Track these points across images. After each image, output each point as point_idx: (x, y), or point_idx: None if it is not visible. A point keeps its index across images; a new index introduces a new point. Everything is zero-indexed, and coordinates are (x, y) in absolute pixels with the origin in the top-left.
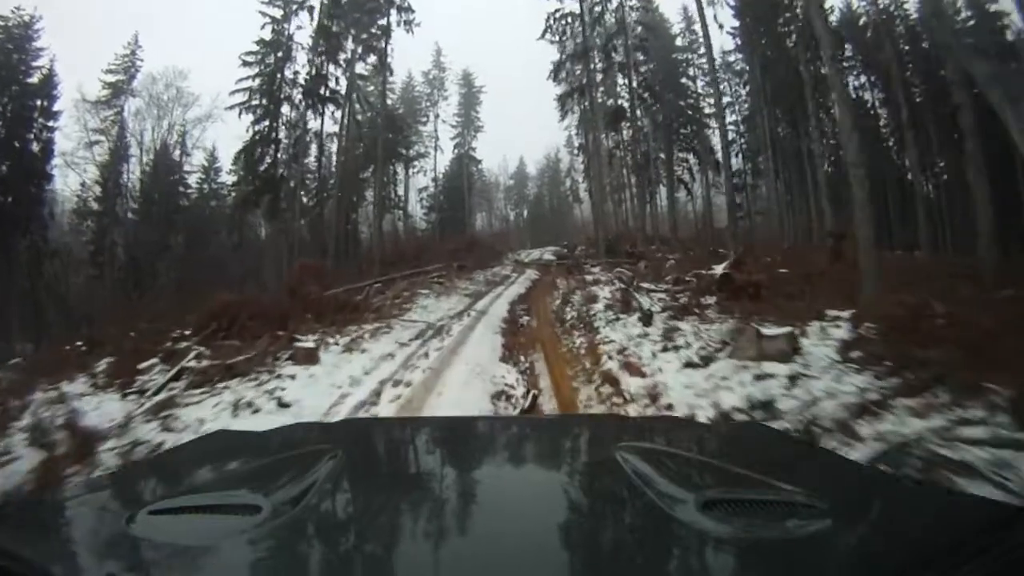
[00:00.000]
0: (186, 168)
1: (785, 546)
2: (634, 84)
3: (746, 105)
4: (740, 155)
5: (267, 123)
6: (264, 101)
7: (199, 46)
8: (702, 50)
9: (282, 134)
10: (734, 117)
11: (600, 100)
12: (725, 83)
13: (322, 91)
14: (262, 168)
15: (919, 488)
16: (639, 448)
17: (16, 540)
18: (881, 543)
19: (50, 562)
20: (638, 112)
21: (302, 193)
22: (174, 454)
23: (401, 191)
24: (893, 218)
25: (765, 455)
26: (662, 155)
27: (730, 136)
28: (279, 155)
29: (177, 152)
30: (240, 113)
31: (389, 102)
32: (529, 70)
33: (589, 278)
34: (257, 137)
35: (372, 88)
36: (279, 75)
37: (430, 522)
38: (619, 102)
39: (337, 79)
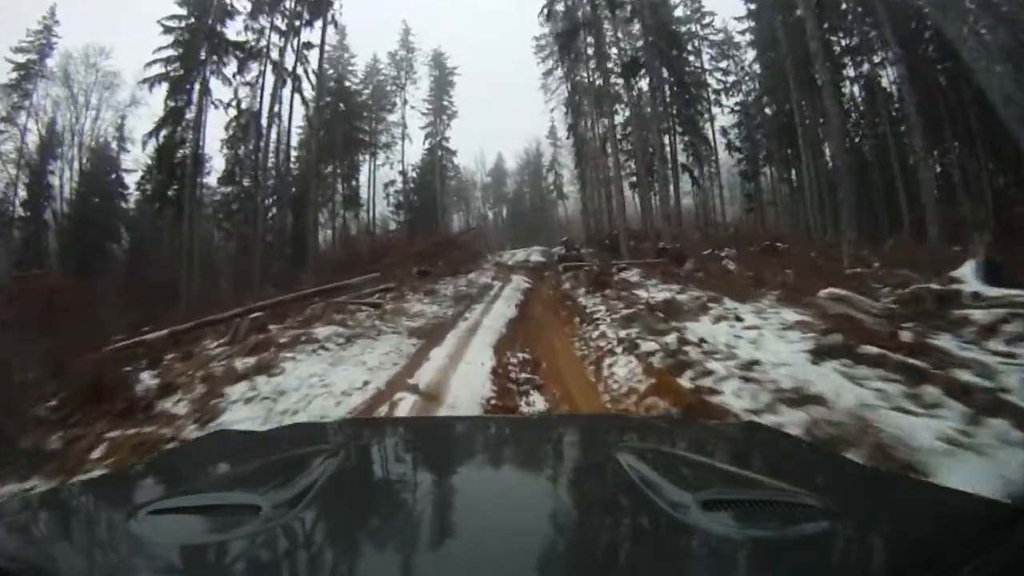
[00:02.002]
0: (125, 165)
1: (785, 546)
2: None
3: (753, 85)
4: (747, 139)
5: (179, 97)
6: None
7: (127, 19)
8: (706, 20)
9: (209, 114)
10: (740, 97)
11: (591, 80)
12: (730, 60)
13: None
14: (178, 153)
15: (919, 488)
16: (639, 448)
17: (16, 540)
18: (881, 543)
19: (50, 562)
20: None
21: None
22: (174, 454)
23: (366, 186)
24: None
25: (765, 455)
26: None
27: (735, 119)
28: (199, 134)
29: (114, 146)
30: (152, 87)
31: (348, 84)
32: (515, 69)
33: (646, 296)
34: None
35: (331, 71)
36: (203, 35)
37: (430, 523)
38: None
39: (280, 50)
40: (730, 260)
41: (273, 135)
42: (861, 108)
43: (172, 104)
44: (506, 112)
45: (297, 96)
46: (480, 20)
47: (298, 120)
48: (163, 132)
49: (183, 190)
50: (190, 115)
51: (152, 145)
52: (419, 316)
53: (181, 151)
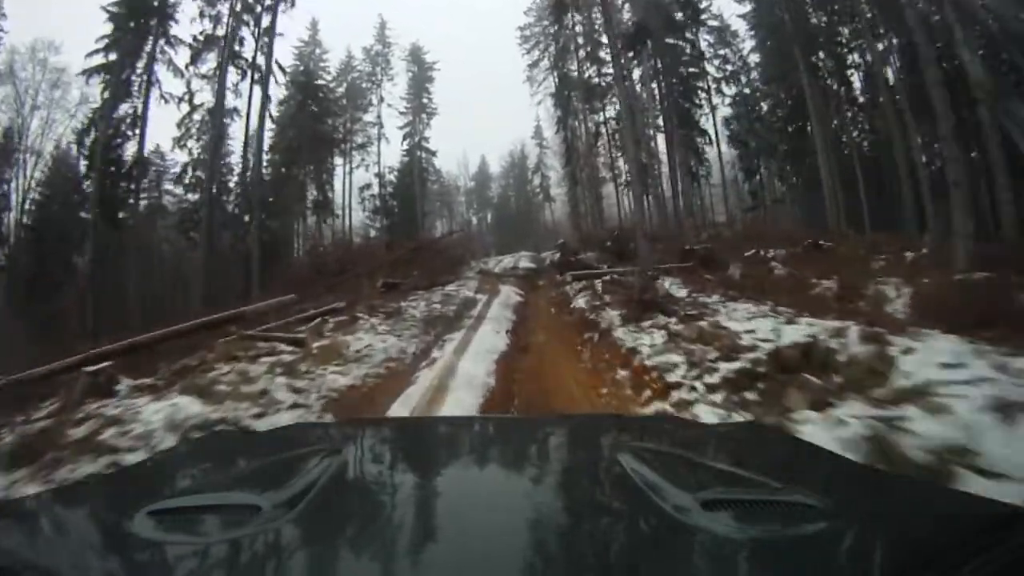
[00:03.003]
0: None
1: (785, 546)
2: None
3: (753, 76)
4: (749, 132)
5: (117, 88)
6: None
7: (82, 13)
8: (703, 3)
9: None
10: (738, 89)
11: (581, 71)
12: (728, 49)
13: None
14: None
15: (919, 488)
16: (639, 448)
17: (16, 540)
18: (881, 543)
19: (50, 562)
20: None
21: (225, 198)
22: (174, 454)
23: (343, 191)
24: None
25: (765, 455)
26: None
27: (735, 112)
28: (142, 130)
29: (74, 151)
30: (89, 78)
31: (320, 81)
32: (510, 69)
33: (739, 328)
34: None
35: (301, 66)
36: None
37: (430, 522)
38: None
39: (242, 40)
40: (779, 263)
41: (239, 135)
42: (859, 100)
43: (108, 95)
44: (494, 115)
45: (262, 92)
46: (477, 21)
47: (267, 122)
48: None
49: (92, 194)
50: (128, 107)
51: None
52: (360, 360)
53: (123, 149)
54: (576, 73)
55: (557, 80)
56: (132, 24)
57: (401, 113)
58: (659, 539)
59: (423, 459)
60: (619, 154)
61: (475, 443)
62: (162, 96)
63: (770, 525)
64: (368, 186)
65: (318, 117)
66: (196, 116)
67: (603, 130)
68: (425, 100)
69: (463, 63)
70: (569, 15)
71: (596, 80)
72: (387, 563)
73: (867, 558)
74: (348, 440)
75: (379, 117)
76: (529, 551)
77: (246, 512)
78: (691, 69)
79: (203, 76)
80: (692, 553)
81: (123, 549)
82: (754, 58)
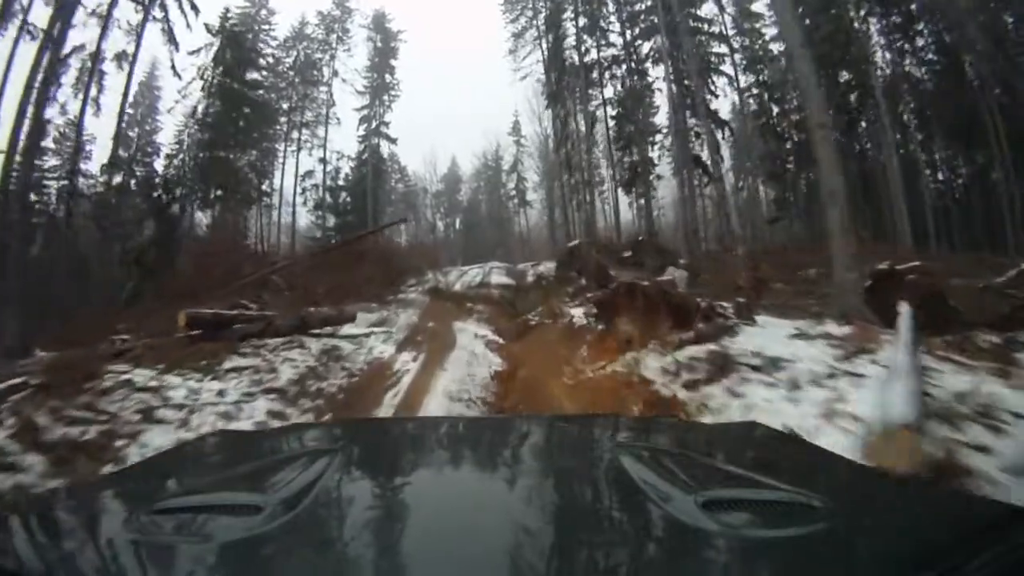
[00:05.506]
0: None
1: (785, 546)
2: None
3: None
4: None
5: None
6: None
7: None
8: None
9: None
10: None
11: (579, 44)
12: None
13: None
14: None
15: (919, 488)
16: (639, 448)
17: (16, 540)
18: (881, 543)
19: (50, 562)
20: None
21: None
22: (174, 454)
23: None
24: None
25: (765, 455)
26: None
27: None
28: None
29: None
30: None
31: (269, 50)
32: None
33: None
34: None
35: (245, 30)
36: None
37: (429, 522)
38: None
39: None
40: None
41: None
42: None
43: None
44: (468, 115)
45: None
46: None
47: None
48: None
49: None
50: None
51: None
52: None
53: None
54: (572, 46)
55: (548, 47)
56: None
57: (359, 92)
58: (659, 539)
59: (423, 459)
60: (616, 148)
61: (475, 443)
62: (26, 28)
63: (770, 525)
64: (311, 173)
65: (250, 83)
66: (73, 61)
67: (601, 113)
68: (388, 78)
69: (436, 63)
70: None
71: (595, 55)
72: (387, 563)
73: (867, 558)
74: (348, 440)
75: (330, 92)
76: (529, 551)
77: (246, 512)
78: (715, 49)
79: (91, 12)
80: (692, 553)
81: (123, 549)
82: (776, 47)
